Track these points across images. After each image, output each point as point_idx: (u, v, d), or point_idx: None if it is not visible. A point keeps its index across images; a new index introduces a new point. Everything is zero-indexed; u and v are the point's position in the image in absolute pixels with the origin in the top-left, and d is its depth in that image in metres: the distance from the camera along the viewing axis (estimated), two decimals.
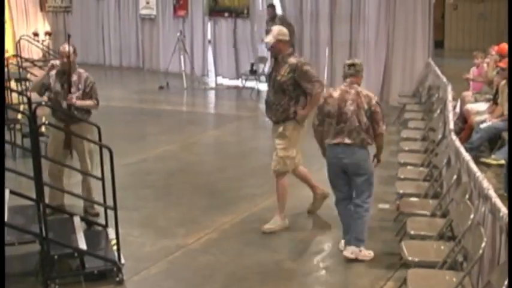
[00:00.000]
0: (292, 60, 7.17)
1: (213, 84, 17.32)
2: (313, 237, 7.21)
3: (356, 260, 6.44)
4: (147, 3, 19.08)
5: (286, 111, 7.19)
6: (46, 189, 6.19)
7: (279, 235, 7.17)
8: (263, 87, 15.94)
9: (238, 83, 16.78)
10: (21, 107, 10.86)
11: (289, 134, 7.25)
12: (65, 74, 7.37)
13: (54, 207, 6.74)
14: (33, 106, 6.87)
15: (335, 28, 14.81)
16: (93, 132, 7.35)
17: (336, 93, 6.50)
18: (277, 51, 7.23)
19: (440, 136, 8.42)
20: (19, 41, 17.62)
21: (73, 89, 7.37)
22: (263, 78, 15.92)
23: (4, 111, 5.61)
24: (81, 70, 7.60)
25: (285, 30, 7.30)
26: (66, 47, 7.42)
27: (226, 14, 17.35)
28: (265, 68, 15.83)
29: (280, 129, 7.26)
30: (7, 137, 10.30)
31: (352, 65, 6.59)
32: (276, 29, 7.32)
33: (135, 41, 19.66)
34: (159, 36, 18.96)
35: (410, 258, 5.32)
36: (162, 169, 9.65)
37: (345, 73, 6.59)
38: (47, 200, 6.22)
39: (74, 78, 7.45)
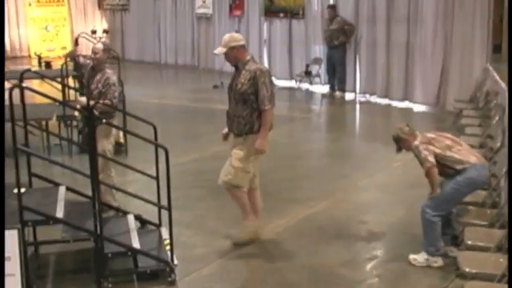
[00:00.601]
0: (252, 66, 6.63)
1: None
2: (366, 244, 7.10)
3: (411, 268, 6.34)
4: (204, 2, 19.17)
5: (249, 125, 6.65)
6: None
7: (331, 242, 7.08)
8: (317, 88, 15.88)
9: (292, 84, 16.70)
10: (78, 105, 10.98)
11: (249, 146, 6.68)
12: (94, 70, 7.58)
13: (109, 205, 6.80)
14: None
15: (392, 30, 14.62)
16: (109, 134, 7.41)
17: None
18: (233, 60, 6.72)
19: (499, 144, 8.20)
20: (77, 39, 17.83)
21: (93, 86, 7.55)
22: (317, 79, 15.87)
23: (3, 110, 5.71)
24: (108, 70, 7.70)
25: (236, 35, 6.81)
26: (98, 45, 7.63)
27: (281, 15, 17.29)
28: (320, 69, 15.76)
29: (241, 139, 6.75)
30: (64, 133, 10.47)
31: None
32: (226, 36, 6.77)
33: (190, 39, 19.78)
34: (214, 35, 19.02)
35: (467, 270, 5.20)
36: (215, 169, 9.52)
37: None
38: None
39: (98, 76, 7.60)
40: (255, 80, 6.54)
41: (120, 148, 10.15)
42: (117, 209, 6.93)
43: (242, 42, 6.74)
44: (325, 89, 15.71)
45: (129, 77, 15.81)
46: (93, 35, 20.20)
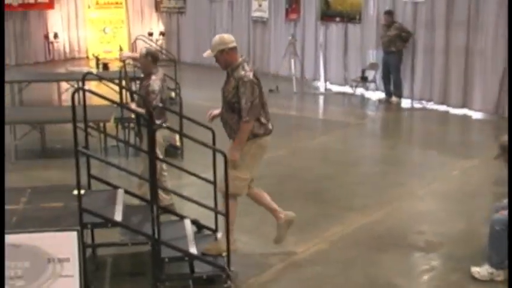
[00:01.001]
0: (239, 73, 6.21)
1: (322, 90, 17.20)
2: (424, 254, 6.97)
3: (472, 281, 6.20)
4: (260, 5, 19.17)
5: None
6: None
7: (387, 251, 6.98)
8: (372, 94, 15.72)
9: (347, 89, 16.56)
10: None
11: (242, 154, 6.35)
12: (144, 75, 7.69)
13: (167, 209, 6.80)
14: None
15: (450, 35, 14.37)
16: (159, 139, 7.39)
17: None
18: (223, 64, 6.34)
19: None
20: (135, 41, 18.06)
21: (141, 91, 7.62)
22: (373, 85, 15.70)
23: (4, 111, 5.71)
24: (153, 76, 7.71)
25: (226, 37, 6.36)
26: (142, 49, 7.76)
27: (337, 19, 17.16)
28: (377, 75, 15.60)
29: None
30: (121, 135, 10.56)
31: None
32: (216, 38, 6.37)
33: (246, 43, 19.78)
34: (270, 39, 19.01)
35: None
36: (271, 174, 9.60)
37: None
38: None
39: (144, 82, 7.68)
40: (238, 89, 6.18)
41: (176, 151, 10.21)
42: (175, 213, 6.93)
43: (232, 45, 6.30)
44: (381, 94, 15.54)
45: (184, 80, 15.88)
46: (150, 37, 20.43)
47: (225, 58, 6.28)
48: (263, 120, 6.39)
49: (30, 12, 21.40)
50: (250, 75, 6.21)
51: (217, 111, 6.66)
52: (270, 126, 6.51)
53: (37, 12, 21.59)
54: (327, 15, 17.43)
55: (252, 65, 6.43)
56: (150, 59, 7.86)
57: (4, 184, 5.69)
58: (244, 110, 6.16)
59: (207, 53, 6.43)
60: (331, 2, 17.30)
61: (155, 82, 7.69)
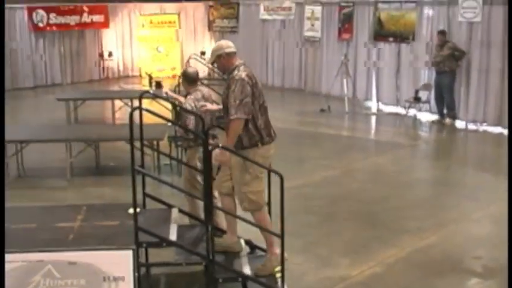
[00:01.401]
0: (233, 74, 6.11)
1: (374, 110, 17.08)
2: (482, 281, 6.82)
3: None
4: (312, 25, 19.16)
5: (238, 139, 6.09)
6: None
7: (444, 276, 6.84)
8: (426, 115, 15.53)
9: (399, 109, 16.40)
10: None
11: (248, 166, 6.08)
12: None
13: (221, 229, 6.78)
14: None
15: (506, 56, 14.12)
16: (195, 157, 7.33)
17: None
18: (222, 69, 6.34)
19: None
20: (188, 60, 18.20)
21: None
22: (426, 106, 15.51)
23: (4, 111, 5.73)
24: (190, 96, 7.59)
25: (223, 42, 6.33)
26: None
27: (390, 39, 17.05)
28: (430, 95, 15.42)
29: (237, 159, 6.11)
30: (174, 153, 10.61)
31: None
32: (214, 46, 6.36)
33: (298, 62, 19.79)
34: (322, 58, 18.96)
35: None
36: (323, 195, 9.56)
37: None
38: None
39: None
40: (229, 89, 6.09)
41: None
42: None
43: (228, 50, 6.22)
44: (434, 116, 15.33)
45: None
46: (202, 56, 20.58)
47: (223, 63, 6.25)
48: (261, 125, 6.18)
49: (86, 31, 21.80)
50: (243, 74, 6.07)
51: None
52: (271, 134, 6.32)
53: (93, 31, 21.97)
54: (380, 35, 17.32)
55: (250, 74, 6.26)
56: (186, 81, 7.84)
57: (4, 184, 5.72)
58: (232, 107, 5.98)
59: (207, 60, 6.44)
60: (384, 22, 17.19)
61: (187, 102, 7.65)
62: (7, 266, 5.23)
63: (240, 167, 6.09)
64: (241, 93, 5.98)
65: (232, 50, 6.28)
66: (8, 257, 5.23)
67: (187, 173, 7.43)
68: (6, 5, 19.77)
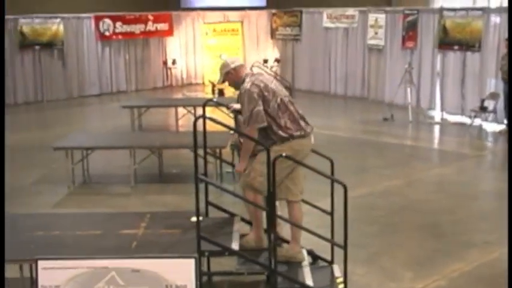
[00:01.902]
0: (241, 88, 6.27)
1: (438, 119, 16.80)
2: None
3: None
4: (376, 33, 19.00)
5: (269, 138, 6.23)
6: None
7: None
8: (492, 125, 15.18)
9: (463, 119, 16.08)
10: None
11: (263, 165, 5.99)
12: None
13: (283, 239, 6.75)
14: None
15: None
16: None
17: None
18: (233, 84, 6.48)
19: None
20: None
21: None
22: (492, 116, 15.17)
23: (4, 112, 5.66)
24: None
25: (228, 60, 6.46)
26: None
27: (456, 47, 16.76)
28: (497, 105, 15.07)
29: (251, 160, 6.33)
30: (236, 161, 10.62)
31: None
32: (220, 65, 6.52)
33: (361, 70, 19.64)
34: (385, 67, 18.77)
35: None
36: (386, 205, 9.43)
37: None
38: None
39: None
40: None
41: None
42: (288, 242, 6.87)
43: (234, 65, 6.39)
44: (501, 126, 14.98)
45: (299, 107, 15.86)
46: (265, 64, 20.63)
47: (232, 79, 6.42)
48: (286, 122, 6.32)
49: (150, 40, 22.09)
50: (248, 85, 6.20)
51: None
52: (303, 128, 6.43)
53: (157, 39, 22.25)
54: (444, 43, 17.04)
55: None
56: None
57: (4, 184, 5.76)
58: (244, 119, 6.19)
59: (217, 80, 6.69)
60: (449, 30, 16.91)
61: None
62: (72, 272, 5.31)
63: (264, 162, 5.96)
64: (249, 104, 6.13)
65: (237, 64, 6.44)
66: (73, 263, 5.30)
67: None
68: (74, 14, 20.24)
